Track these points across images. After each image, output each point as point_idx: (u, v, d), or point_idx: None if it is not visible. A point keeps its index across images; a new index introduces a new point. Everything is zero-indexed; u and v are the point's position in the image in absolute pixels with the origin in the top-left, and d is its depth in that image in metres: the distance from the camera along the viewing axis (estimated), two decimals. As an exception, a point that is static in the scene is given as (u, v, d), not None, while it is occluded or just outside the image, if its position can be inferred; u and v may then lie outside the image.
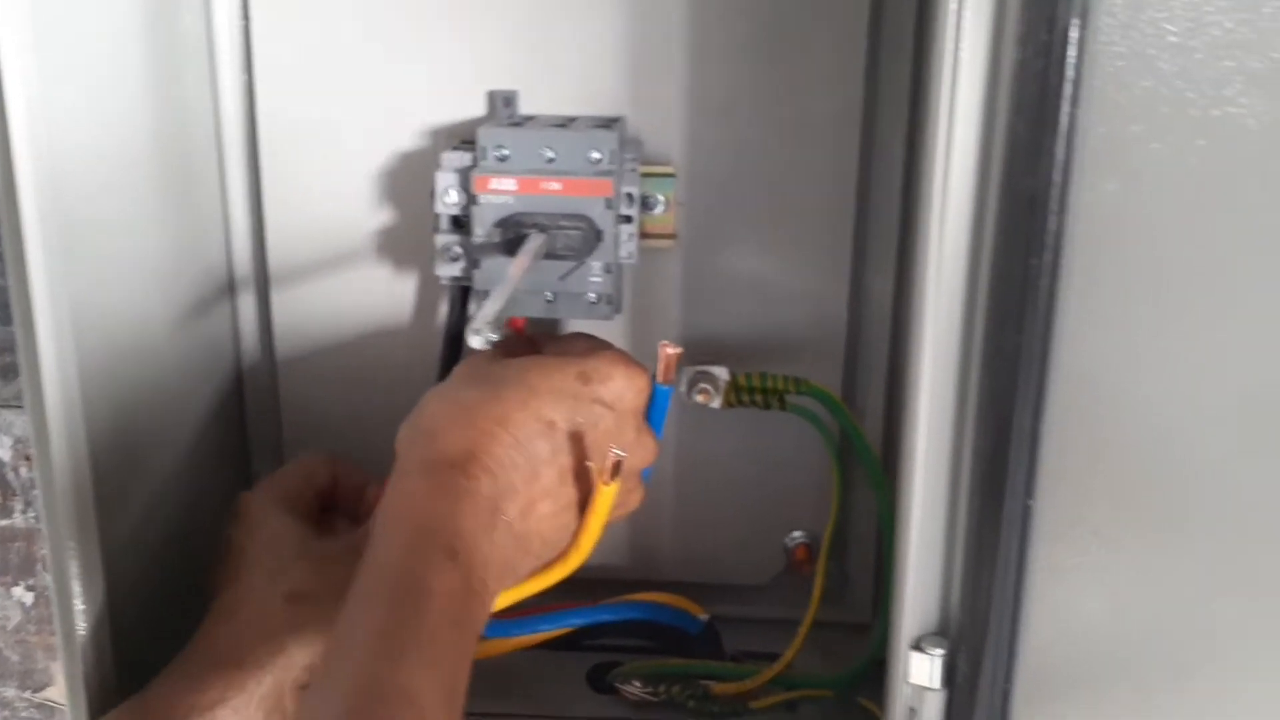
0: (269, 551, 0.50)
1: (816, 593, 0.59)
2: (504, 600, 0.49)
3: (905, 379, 0.41)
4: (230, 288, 0.62)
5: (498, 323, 0.43)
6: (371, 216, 0.60)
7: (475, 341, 0.42)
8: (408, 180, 0.58)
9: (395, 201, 0.59)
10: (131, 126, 0.53)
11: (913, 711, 0.43)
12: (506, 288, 0.45)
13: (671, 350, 0.49)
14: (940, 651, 0.42)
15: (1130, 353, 0.38)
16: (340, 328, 0.61)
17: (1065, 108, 0.36)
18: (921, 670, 0.43)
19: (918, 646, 0.43)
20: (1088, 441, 0.39)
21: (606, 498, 0.46)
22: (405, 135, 0.58)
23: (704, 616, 0.60)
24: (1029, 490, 0.40)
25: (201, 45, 0.59)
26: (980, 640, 0.41)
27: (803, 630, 0.58)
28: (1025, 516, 0.40)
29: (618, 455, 0.45)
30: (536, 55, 0.57)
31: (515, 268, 0.47)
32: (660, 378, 0.49)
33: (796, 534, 0.64)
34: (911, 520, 0.42)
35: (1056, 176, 0.37)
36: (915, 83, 0.57)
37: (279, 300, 0.62)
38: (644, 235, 0.58)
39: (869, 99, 0.57)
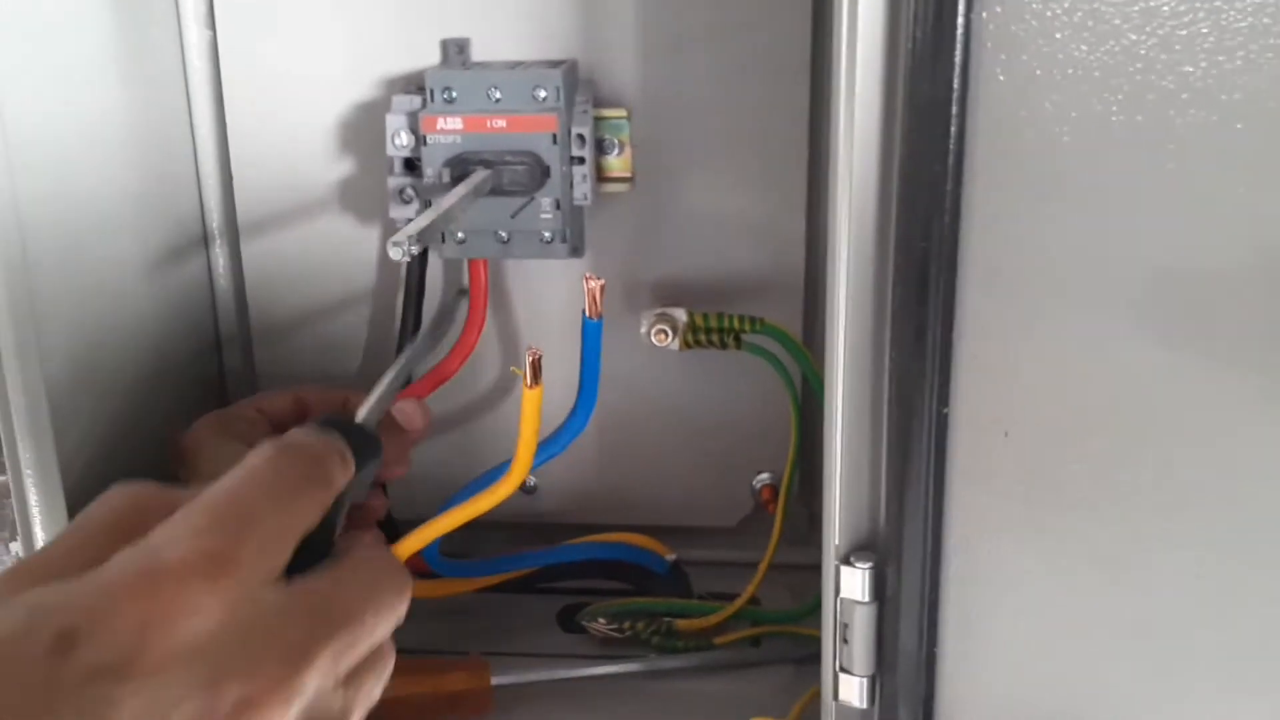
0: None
1: (776, 531, 0.59)
2: (452, 521, 0.50)
3: (823, 294, 0.41)
4: (204, 239, 0.64)
5: (422, 240, 0.43)
6: (334, 166, 0.61)
7: (393, 253, 0.42)
8: (366, 129, 0.59)
9: (356, 151, 0.60)
10: (100, 86, 0.55)
11: (845, 626, 0.44)
12: (436, 210, 0.46)
13: (594, 282, 0.49)
14: (868, 565, 0.43)
15: (1037, 250, 0.38)
16: (309, 275, 0.62)
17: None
18: (851, 584, 0.43)
19: (846, 561, 0.43)
20: (1000, 344, 0.39)
21: (533, 402, 0.46)
22: (363, 86, 0.60)
23: (671, 556, 0.61)
24: (943, 397, 0.40)
25: (168, 7, 0.60)
26: (902, 549, 0.41)
27: (762, 566, 0.59)
28: (941, 424, 0.40)
29: (535, 352, 0.45)
30: (489, 3, 0.58)
31: (449, 196, 0.48)
32: (589, 311, 0.50)
33: (764, 475, 0.65)
34: (835, 434, 0.42)
35: (956, 79, 0.37)
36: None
37: (249, 250, 0.63)
38: (602, 179, 0.59)
39: (817, 34, 0.57)
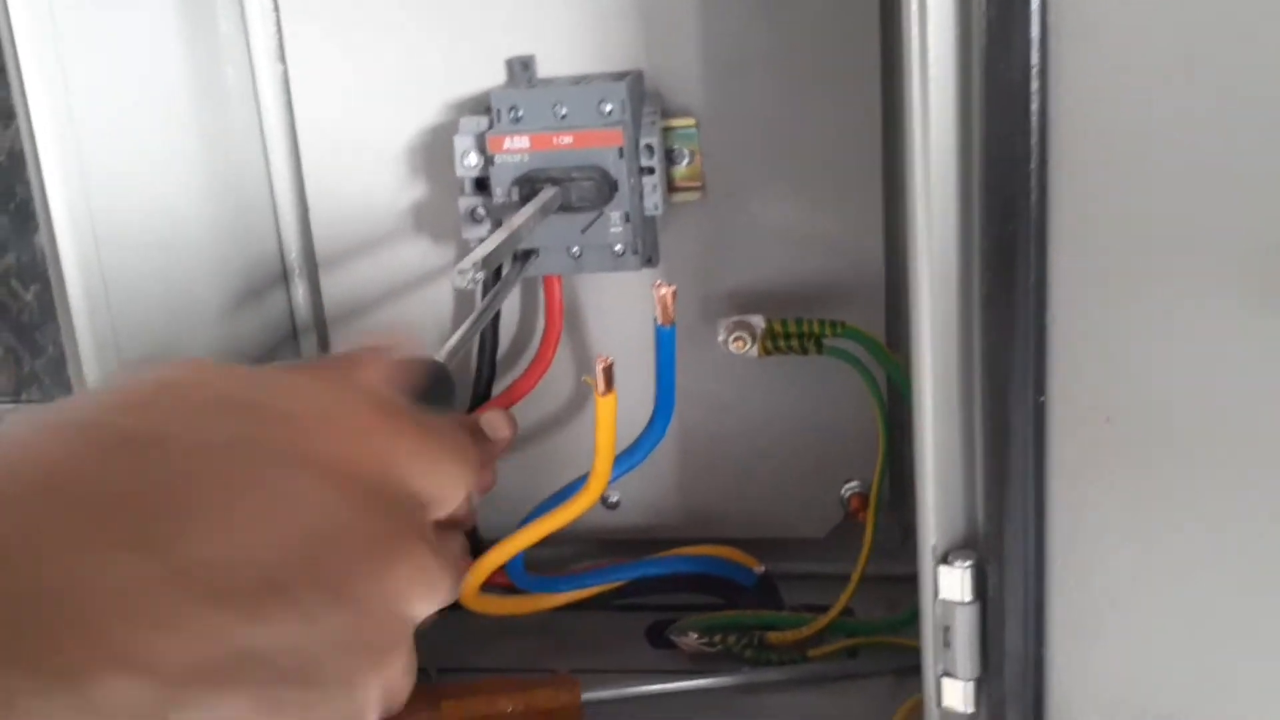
0: None
1: (867, 541, 0.58)
2: (533, 536, 0.49)
3: (905, 295, 0.40)
4: (284, 274, 0.65)
5: (488, 265, 0.42)
6: (406, 192, 0.61)
7: (458, 281, 0.42)
8: (437, 153, 0.60)
9: (427, 174, 0.61)
10: (176, 126, 0.56)
11: (946, 629, 0.42)
12: (502, 234, 0.46)
13: (665, 289, 0.48)
14: (968, 563, 0.41)
15: (1132, 227, 0.36)
16: (387, 302, 0.63)
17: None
18: (951, 584, 0.41)
19: (945, 560, 0.42)
20: (1097, 325, 0.37)
21: (607, 410, 0.46)
22: (431, 110, 0.60)
23: (759, 568, 0.60)
24: (1039, 385, 0.38)
25: (239, 42, 0.61)
26: (1003, 545, 0.40)
27: (855, 576, 0.57)
28: (1038, 413, 0.38)
29: (606, 359, 0.45)
30: (552, 17, 0.58)
31: (517, 217, 0.48)
32: (660, 319, 0.49)
33: (852, 484, 0.63)
34: (926, 428, 0.41)
35: (1034, 60, 0.36)
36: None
37: (328, 282, 0.64)
38: (673, 189, 0.58)
39: (886, 33, 0.56)
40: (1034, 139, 0.36)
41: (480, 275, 0.41)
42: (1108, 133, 0.36)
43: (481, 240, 0.56)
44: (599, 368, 0.46)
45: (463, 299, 0.62)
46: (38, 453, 0.26)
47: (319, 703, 0.26)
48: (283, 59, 0.61)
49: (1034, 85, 0.36)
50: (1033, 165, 0.37)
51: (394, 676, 0.29)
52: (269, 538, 0.27)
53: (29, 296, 0.71)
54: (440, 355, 0.42)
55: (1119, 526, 0.38)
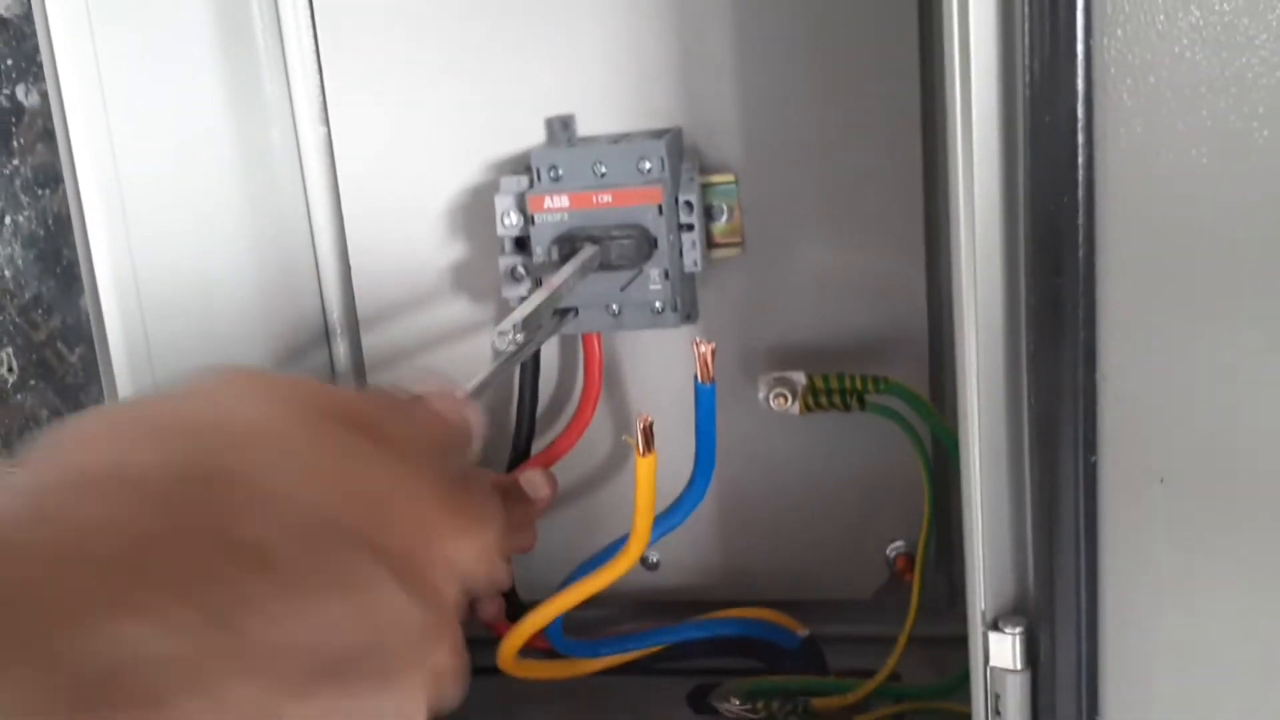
0: None
1: (914, 602, 0.56)
2: (573, 598, 0.49)
3: (949, 350, 0.39)
4: (325, 333, 0.65)
5: (528, 327, 0.42)
6: (447, 251, 0.61)
7: (499, 342, 0.41)
8: (477, 213, 0.60)
9: (468, 234, 0.61)
10: (222, 189, 0.57)
11: (997, 697, 0.41)
12: (543, 293, 0.46)
13: (705, 346, 0.48)
14: (1018, 629, 0.40)
15: (1183, 279, 0.35)
16: (425, 358, 0.63)
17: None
18: (1001, 651, 0.40)
19: (995, 626, 0.40)
20: (1149, 383, 0.36)
21: (647, 470, 0.45)
22: (472, 170, 0.60)
23: (803, 632, 0.58)
24: (1089, 445, 0.37)
25: (283, 105, 0.62)
26: (1055, 611, 0.38)
27: (902, 639, 0.56)
28: (1089, 474, 0.37)
29: (646, 418, 0.44)
30: (591, 77, 0.58)
31: (557, 276, 0.48)
32: (700, 376, 0.49)
33: (898, 543, 0.62)
34: (974, 491, 0.40)
35: (1080, 108, 0.35)
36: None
37: (369, 340, 0.64)
38: (712, 245, 0.58)
39: (926, 84, 0.56)
40: (1081, 191, 0.36)
41: (520, 337, 0.41)
42: (1158, 183, 0.35)
43: (522, 299, 0.56)
44: (638, 427, 0.45)
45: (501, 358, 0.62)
46: (116, 495, 0.25)
47: None
48: (326, 120, 0.62)
49: (1080, 138, 0.35)
50: (1080, 219, 0.36)
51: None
52: (333, 623, 0.26)
53: (74, 358, 0.71)
54: (468, 389, 0.42)
55: (1174, 590, 0.37)
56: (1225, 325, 0.35)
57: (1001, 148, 0.37)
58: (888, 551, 0.62)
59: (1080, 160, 0.36)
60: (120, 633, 0.23)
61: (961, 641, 0.54)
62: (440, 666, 0.29)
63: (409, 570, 0.28)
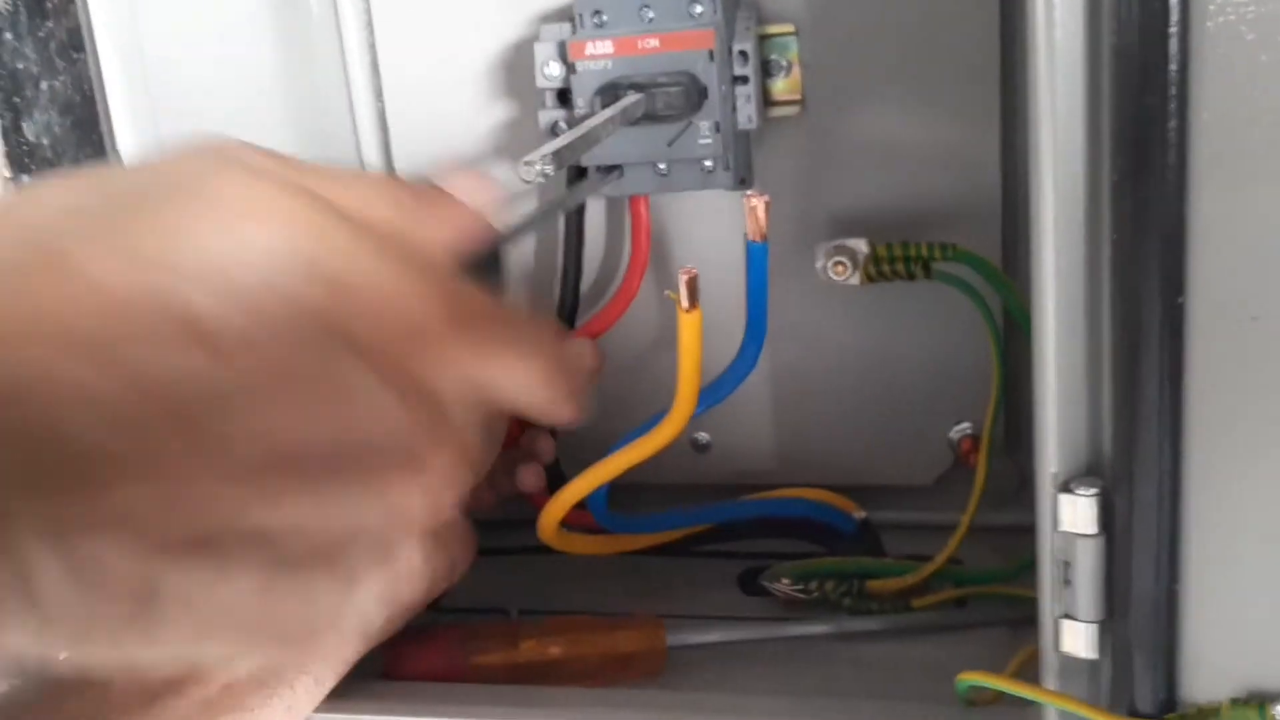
0: None
1: (978, 486, 0.53)
2: (616, 467, 0.46)
3: (1022, 219, 0.36)
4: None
5: (558, 161, 0.39)
6: (487, 112, 0.58)
7: (524, 173, 0.37)
8: (521, 69, 0.57)
9: (510, 94, 0.58)
10: (256, 50, 0.55)
11: (1066, 565, 0.38)
12: (576, 131, 0.42)
13: (757, 199, 0.45)
14: (1093, 491, 0.36)
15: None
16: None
17: None
18: (1073, 514, 0.37)
19: (1066, 488, 0.37)
20: (1245, 213, 0.32)
21: (692, 327, 0.42)
22: (513, 24, 0.57)
23: (860, 514, 0.56)
24: (1177, 284, 0.33)
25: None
26: (1133, 469, 0.35)
27: (964, 521, 0.53)
28: (1175, 315, 0.34)
29: (690, 270, 0.41)
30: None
31: (596, 117, 0.44)
32: (751, 233, 0.45)
33: (964, 425, 0.58)
34: (1048, 335, 0.36)
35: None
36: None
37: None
38: (770, 103, 0.54)
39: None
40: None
41: (549, 169, 0.38)
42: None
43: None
44: (682, 280, 0.42)
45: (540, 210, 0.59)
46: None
47: (317, 593, 0.24)
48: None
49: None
50: (1173, 26, 0.32)
51: (399, 578, 0.27)
52: (294, 413, 0.24)
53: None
54: (499, 231, 0.39)
55: (1269, 444, 0.33)
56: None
57: None
58: (952, 434, 0.58)
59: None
60: (71, 416, 0.21)
61: (1029, 530, 0.50)
62: (441, 475, 0.26)
63: (396, 371, 0.26)
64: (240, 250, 0.24)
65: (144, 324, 0.22)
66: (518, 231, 0.39)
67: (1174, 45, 0.32)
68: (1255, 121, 0.32)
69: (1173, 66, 0.32)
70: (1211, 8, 0.32)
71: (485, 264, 0.33)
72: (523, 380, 0.31)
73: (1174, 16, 0.32)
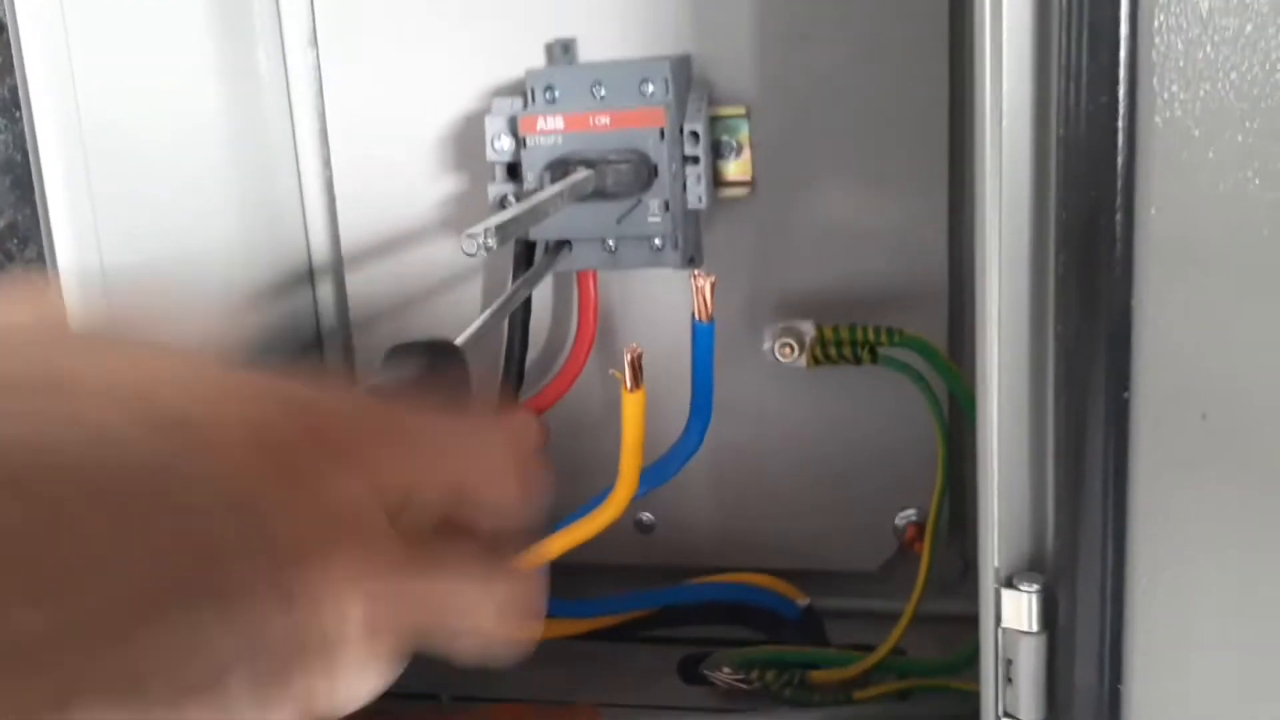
0: None
1: (922, 572, 0.52)
2: (558, 546, 0.45)
3: (970, 304, 0.35)
4: (310, 273, 0.62)
5: (502, 235, 0.38)
6: (437, 183, 0.58)
7: (467, 246, 0.36)
8: (471, 142, 0.56)
9: (460, 165, 0.57)
10: (203, 112, 0.54)
11: (1009, 663, 0.37)
12: (524, 205, 0.42)
13: (704, 280, 0.44)
14: (1034, 587, 0.36)
15: (1231, 195, 0.31)
16: (413, 298, 0.59)
17: None
18: (1016, 610, 0.36)
19: (1009, 584, 0.36)
20: (1193, 308, 0.32)
21: (634, 407, 0.41)
22: (466, 97, 0.57)
23: (803, 600, 0.55)
24: (1122, 379, 0.33)
25: (272, 27, 0.59)
26: (1076, 566, 0.34)
27: (908, 611, 0.52)
28: (1120, 410, 0.33)
29: (635, 349, 0.40)
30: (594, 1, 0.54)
31: (544, 192, 0.44)
32: (698, 313, 0.45)
33: (908, 512, 0.58)
34: (991, 428, 0.36)
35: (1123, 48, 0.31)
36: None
37: (354, 279, 0.60)
38: (720, 184, 0.54)
39: (954, 20, 0.52)
40: (1122, 90, 0.32)
41: (491, 243, 0.37)
42: (1207, 82, 0.31)
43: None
44: (626, 359, 0.41)
45: (490, 295, 0.58)
46: None
47: None
48: (315, 43, 0.58)
49: (1124, 29, 0.32)
50: (1120, 121, 0.32)
51: (316, 688, 0.24)
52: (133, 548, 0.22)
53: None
54: (458, 341, 0.39)
55: (1215, 543, 0.33)
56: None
57: (1034, 76, 0.33)
58: (897, 520, 0.58)
59: (1123, 56, 0.32)
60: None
61: (973, 620, 0.49)
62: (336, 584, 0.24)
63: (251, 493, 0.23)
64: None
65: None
66: (475, 337, 0.39)
67: (1122, 138, 0.32)
68: (1202, 216, 0.32)
69: (1120, 159, 0.32)
70: (1159, 102, 0.32)
71: (450, 366, 0.32)
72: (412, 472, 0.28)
73: (1122, 109, 0.32)
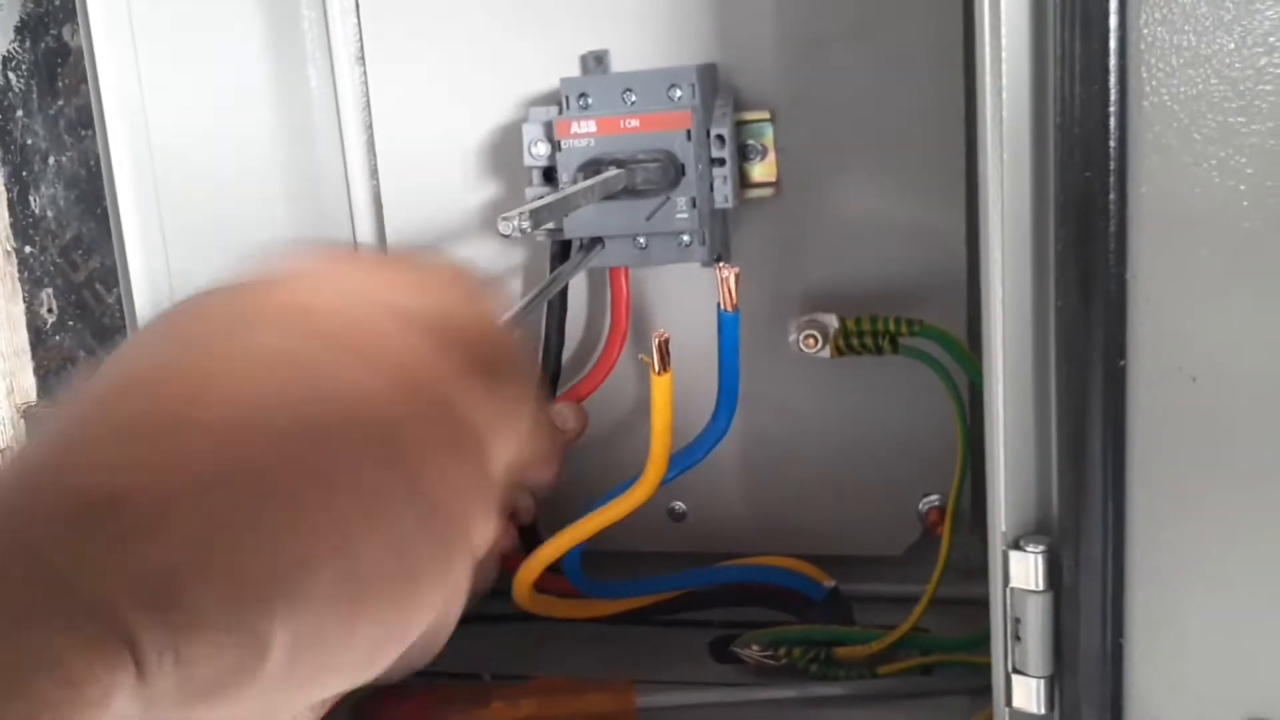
0: None
1: (943, 552, 0.54)
2: (589, 528, 0.47)
3: (978, 243, 0.38)
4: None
5: (535, 220, 0.41)
6: (476, 191, 0.61)
7: (503, 228, 0.40)
8: (511, 150, 0.59)
9: (499, 175, 0.60)
10: (257, 127, 0.57)
11: (1017, 621, 0.39)
12: (557, 195, 0.45)
13: (728, 271, 0.47)
14: (1040, 548, 0.38)
15: (1221, 170, 0.34)
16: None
17: None
18: (1022, 571, 0.38)
19: (1016, 545, 0.39)
20: (1183, 278, 0.34)
21: (663, 390, 0.44)
22: (505, 110, 0.60)
23: (829, 583, 0.57)
24: (1119, 348, 0.35)
25: (321, 44, 0.62)
26: (1080, 527, 0.36)
27: (929, 590, 0.54)
28: (1117, 378, 0.35)
29: (662, 334, 0.43)
30: (627, 12, 0.57)
31: (576, 185, 0.47)
32: (724, 303, 0.47)
33: (932, 497, 0.60)
34: (998, 400, 0.38)
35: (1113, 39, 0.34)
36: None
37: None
38: (746, 185, 0.57)
39: (969, 25, 0.54)
40: (1113, 78, 0.34)
41: (526, 225, 0.40)
42: (1190, 68, 0.33)
43: (550, 232, 0.56)
44: (654, 343, 0.44)
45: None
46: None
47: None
48: (362, 60, 0.62)
49: (1113, 20, 0.34)
50: (1111, 107, 0.34)
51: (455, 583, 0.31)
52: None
53: (111, 299, 0.72)
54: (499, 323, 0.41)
55: (1208, 499, 0.35)
56: (1261, 214, 0.33)
57: (1032, 69, 0.35)
58: (921, 505, 0.60)
59: (1113, 45, 0.34)
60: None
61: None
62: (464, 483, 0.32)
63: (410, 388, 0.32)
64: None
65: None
66: (514, 320, 0.42)
67: (1113, 123, 0.35)
68: (1189, 194, 0.34)
69: (1112, 143, 0.35)
70: (1147, 89, 0.34)
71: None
72: (507, 438, 0.35)
73: (1113, 96, 0.34)
